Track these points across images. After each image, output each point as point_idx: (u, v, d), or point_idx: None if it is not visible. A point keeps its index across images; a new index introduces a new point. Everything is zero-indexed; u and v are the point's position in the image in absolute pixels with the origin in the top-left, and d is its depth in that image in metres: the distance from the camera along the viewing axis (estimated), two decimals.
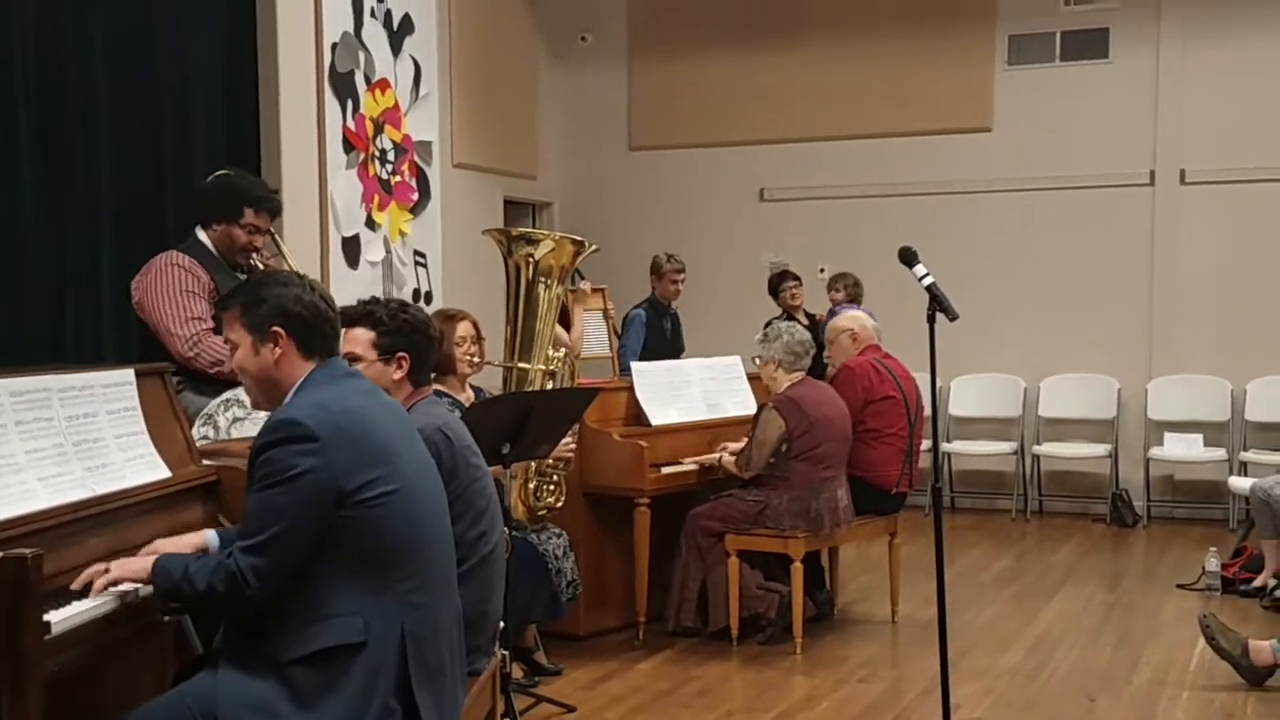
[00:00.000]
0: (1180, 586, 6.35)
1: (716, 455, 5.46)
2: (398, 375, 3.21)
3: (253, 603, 2.48)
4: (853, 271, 8.07)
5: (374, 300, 3.29)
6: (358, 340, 3.19)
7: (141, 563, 2.58)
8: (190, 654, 3.16)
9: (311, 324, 2.67)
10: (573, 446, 4.88)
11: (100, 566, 2.59)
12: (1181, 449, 8.08)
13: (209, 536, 2.77)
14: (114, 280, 5.43)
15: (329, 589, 2.49)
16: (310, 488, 2.46)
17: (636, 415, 5.57)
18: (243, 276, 4.28)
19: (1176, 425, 8.22)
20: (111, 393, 3.02)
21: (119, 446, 2.99)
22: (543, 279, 4.84)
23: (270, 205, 4.30)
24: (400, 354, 3.21)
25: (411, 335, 3.23)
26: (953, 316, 3.67)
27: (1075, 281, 8.64)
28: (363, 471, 2.51)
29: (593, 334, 6.46)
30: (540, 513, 4.91)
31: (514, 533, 4.27)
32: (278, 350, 2.65)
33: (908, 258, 3.80)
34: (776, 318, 7.63)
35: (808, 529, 5.16)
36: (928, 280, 3.72)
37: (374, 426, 2.59)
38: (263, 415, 3.78)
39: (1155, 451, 8.24)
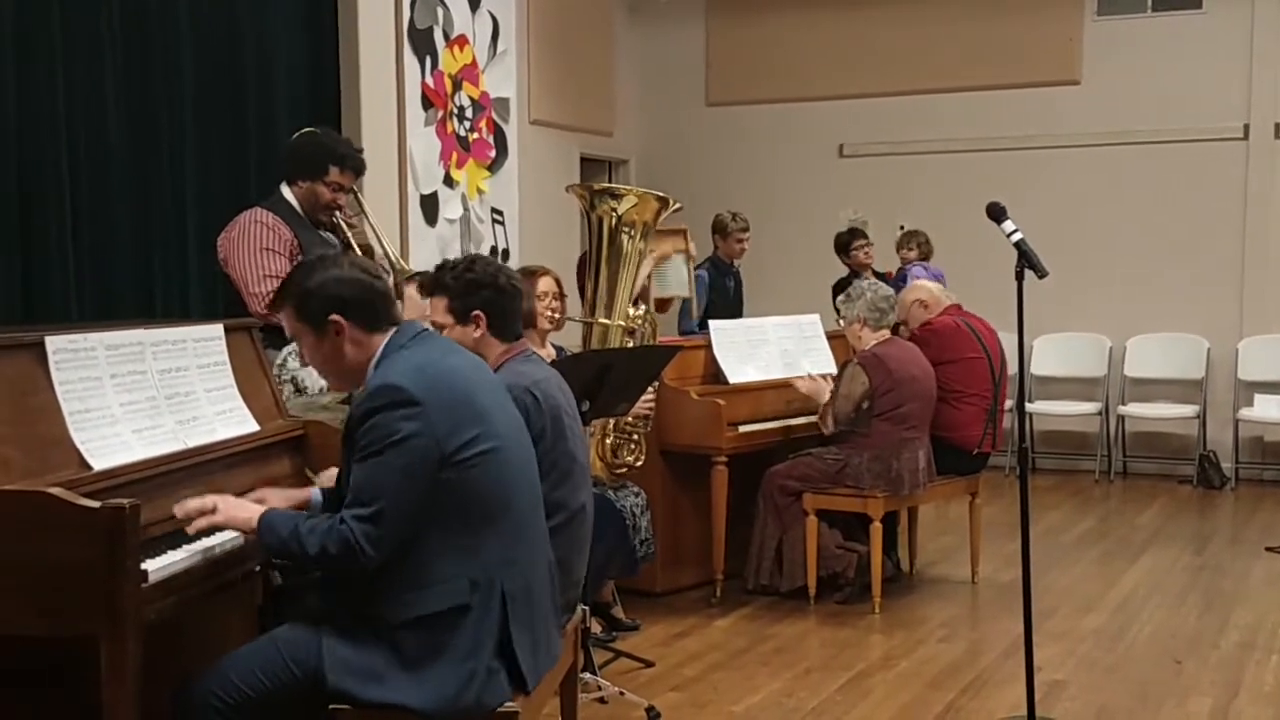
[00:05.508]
0: (1270, 549, 6.22)
1: (804, 373, 5.45)
2: (477, 334, 3.17)
3: (365, 569, 2.48)
4: (934, 228, 7.95)
5: (443, 265, 3.24)
6: (437, 309, 3.18)
7: (248, 513, 2.59)
8: (269, 585, 3.21)
9: (364, 301, 2.63)
10: (652, 403, 4.88)
11: (210, 502, 2.59)
12: (1273, 410, 7.89)
13: (313, 493, 2.79)
14: (199, 239, 5.51)
15: (432, 552, 2.50)
16: (416, 451, 2.46)
17: (714, 374, 5.55)
18: (326, 234, 4.32)
19: (1268, 386, 8.03)
20: (202, 347, 3.08)
21: (209, 400, 3.04)
22: (626, 230, 4.81)
23: (354, 164, 4.34)
24: (474, 313, 3.18)
25: (480, 292, 3.17)
26: (1042, 274, 3.58)
27: (1164, 238, 8.43)
28: (462, 431, 2.52)
29: (673, 274, 6.42)
30: (619, 470, 4.91)
31: (593, 489, 4.28)
32: (340, 337, 2.63)
33: (996, 213, 3.71)
34: (844, 278, 7.55)
35: (887, 489, 5.11)
36: (1017, 236, 3.63)
37: (469, 385, 2.60)
38: None
39: (1245, 413, 8.05)
